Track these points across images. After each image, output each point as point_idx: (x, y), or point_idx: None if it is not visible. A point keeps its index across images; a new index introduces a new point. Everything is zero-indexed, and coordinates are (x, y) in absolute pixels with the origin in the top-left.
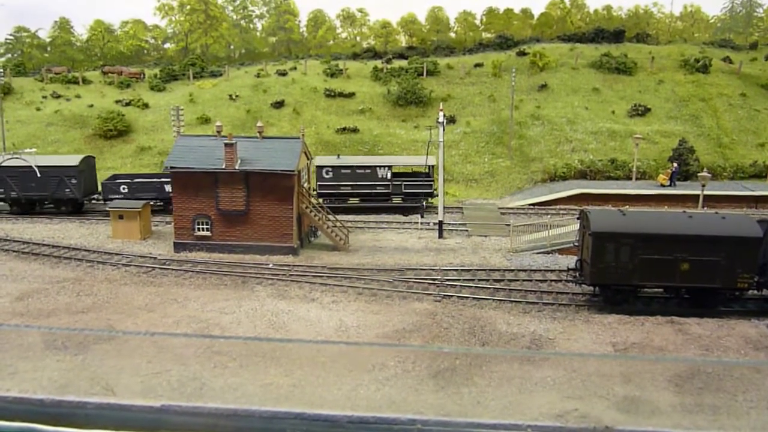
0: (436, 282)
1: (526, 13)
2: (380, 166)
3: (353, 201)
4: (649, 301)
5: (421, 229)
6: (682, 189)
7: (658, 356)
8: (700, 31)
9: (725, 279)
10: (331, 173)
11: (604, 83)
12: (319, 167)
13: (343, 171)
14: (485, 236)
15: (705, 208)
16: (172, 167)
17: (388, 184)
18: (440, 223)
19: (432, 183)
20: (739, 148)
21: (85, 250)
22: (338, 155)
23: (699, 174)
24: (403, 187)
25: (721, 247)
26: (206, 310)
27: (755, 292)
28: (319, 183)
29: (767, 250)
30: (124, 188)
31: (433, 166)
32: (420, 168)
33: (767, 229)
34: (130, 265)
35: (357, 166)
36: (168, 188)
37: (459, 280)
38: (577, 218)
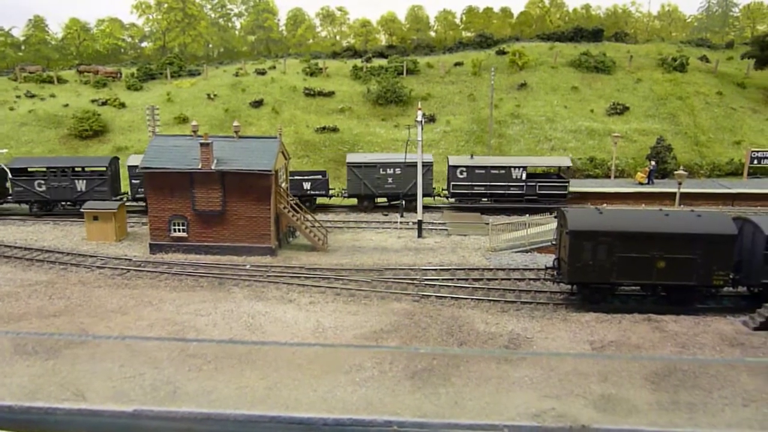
0: (415, 282)
1: (505, 12)
2: (515, 167)
3: (484, 201)
4: (626, 299)
5: (401, 228)
6: (659, 187)
7: (635, 355)
8: (677, 30)
9: (701, 276)
10: (465, 173)
11: (583, 82)
12: (453, 167)
13: (477, 171)
14: (465, 235)
15: (682, 206)
16: (146, 167)
17: (523, 185)
18: (419, 223)
19: (566, 184)
20: (716, 146)
21: (58, 252)
22: (471, 155)
23: (675, 172)
24: (537, 188)
25: (697, 245)
26: (181, 313)
27: (731, 289)
28: (452, 183)
29: (742, 247)
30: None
31: (569, 167)
32: (553, 169)
33: (742, 227)
34: (105, 267)
35: (491, 167)
36: (306, 185)
37: (438, 279)
38: (555, 217)
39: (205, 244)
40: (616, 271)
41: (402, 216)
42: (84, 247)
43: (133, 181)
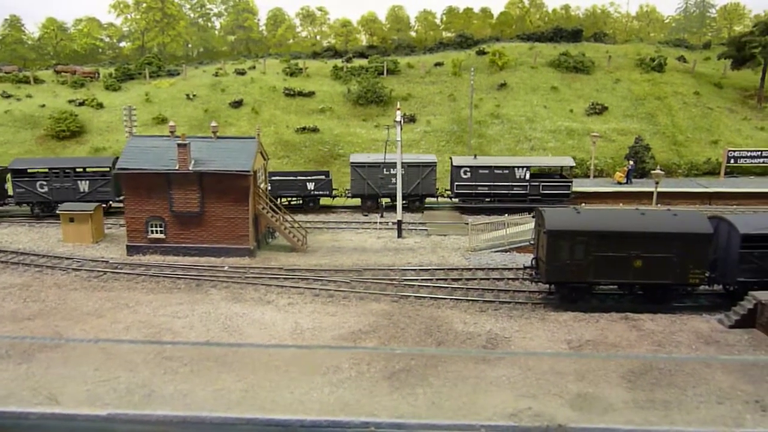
0: (394, 282)
1: (485, 12)
2: (518, 167)
3: (487, 201)
4: (604, 297)
5: (381, 228)
6: (638, 186)
7: (611, 353)
8: (655, 31)
9: (677, 275)
10: (469, 173)
11: (563, 82)
12: (457, 167)
13: (480, 171)
14: (444, 235)
15: (659, 206)
16: (123, 168)
17: (526, 185)
18: (399, 223)
19: (570, 184)
20: (694, 145)
21: (33, 255)
22: (475, 155)
23: (652, 171)
24: (541, 187)
25: (673, 244)
26: (158, 315)
27: (707, 287)
28: (456, 183)
29: (718, 246)
30: (267, 186)
31: (572, 167)
32: (556, 169)
33: (718, 226)
34: (81, 269)
35: (495, 167)
36: (310, 186)
37: (417, 279)
38: (533, 216)
39: (183, 245)
40: (593, 271)
41: (382, 216)
42: (60, 249)
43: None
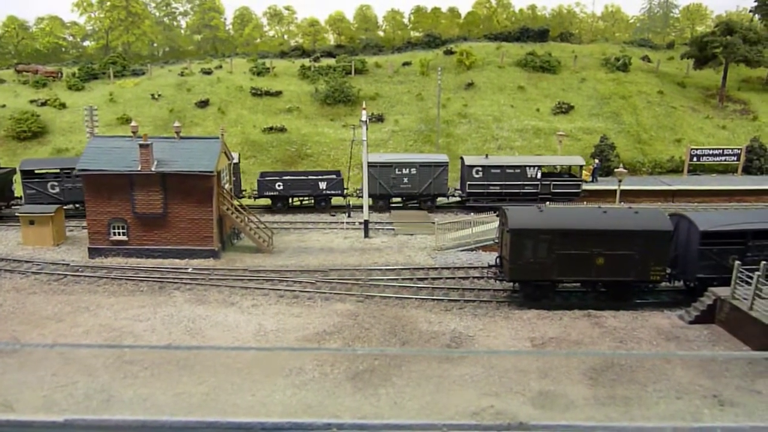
0: (360, 282)
1: (453, 12)
2: (530, 166)
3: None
4: (567, 295)
5: (347, 228)
6: (603, 185)
7: (571, 351)
8: (620, 31)
9: (639, 272)
10: (480, 173)
11: (529, 81)
12: (469, 167)
13: (492, 171)
14: (411, 235)
15: (622, 203)
16: (84, 170)
17: (537, 184)
18: (366, 223)
19: (580, 183)
20: (657, 144)
21: None
22: (486, 155)
23: (615, 170)
24: (551, 186)
25: (634, 241)
26: (119, 318)
27: (668, 284)
28: (468, 183)
29: (678, 243)
30: (279, 185)
31: (581, 166)
32: (566, 168)
33: (678, 223)
34: (41, 272)
35: (507, 166)
36: (322, 185)
37: (382, 279)
38: (497, 215)
39: (146, 247)
40: (556, 269)
41: (349, 216)
42: (19, 252)
43: None
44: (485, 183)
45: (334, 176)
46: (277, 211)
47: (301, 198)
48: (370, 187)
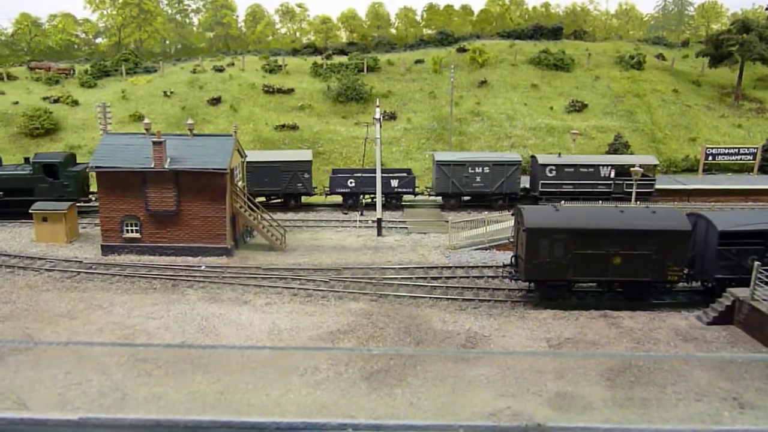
0: (373, 281)
1: (466, 9)
2: (603, 165)
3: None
4: (583, 295)
5: (360, 227)
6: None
7: (589, 352)
8: (634, 29)
9: (656, 272)
10: (554, 172)
11: (543, 79)
12: (543, 165)
13: (566, 170)
14: (424, 233)
15: (638, 203)
16: (97, 167)
17: (611, 183)
18: (379, 221)
19: (653, 182)
20: (672, 142)
21: (5, 255)
22: (559, 153)
23: (631, 168)
24: (624, 186)
25: (652, 241)
26: (132, 316)
27: (685, 284)
28: (541, 182)
29: (696, 243)
30: (351, 182)
31: (655, 165)
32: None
33: (696, 223)
34: (54, 270)
35: (580, 165)
36: (394, 183)
37: (396, 278)
38: (512, 214)
39: (159, 244)
40: (572, 268)
41: (362, 214)
42: (33, 249)
43: None
44: (558, 182)
45: (405, 174)
46: (347, 208)
47: (372, 195)
48: (442, 186)
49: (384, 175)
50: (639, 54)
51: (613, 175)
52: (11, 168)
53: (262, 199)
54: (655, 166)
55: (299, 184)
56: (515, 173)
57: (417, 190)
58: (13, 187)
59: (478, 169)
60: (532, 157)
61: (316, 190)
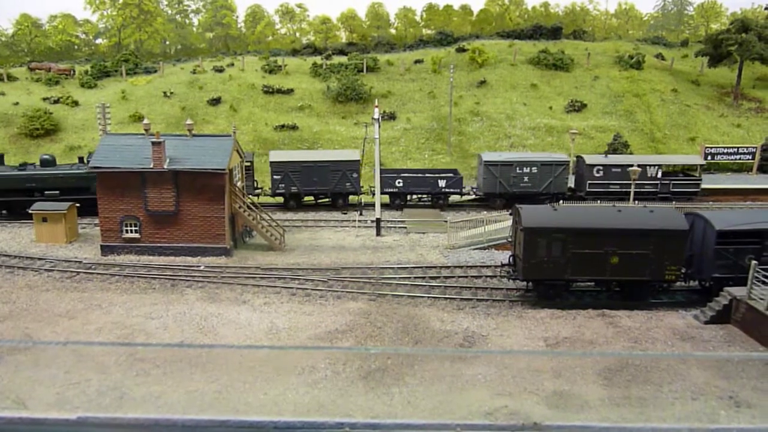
0: (372, 281)
1: (465, 9)
2: (651, 165)
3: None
4: (581, 294)
5: (359, 227)
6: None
7: (586, 351)
8: (634, 28)
9: (654, 271)
10: (601, 172)
11: (542, 79)
12: (590, 165)
13: (613, 170)
14: (423, 233)
15: (636, 202)
16: (96, 167)
17: (657, 183)
18: (378, 221)
19: (699, 182)
20: (671, 142)
21: (4, 255)
22: (606, 153)
23: (629, 168)
24: (671, 185)
25: (650, 240)
26: (132, 316)
27: (683, 283)
28: (588, 182)
29: (694, 242)
30: (399, 182)
31: (701, 165)
32: (685, 167)
33: (693, 222)
34: (53, 270)
35: (627, 165)
36: (441, 183)
37: (395, 278)
38: (510, 214)
39: (158, 245)
40: (570, 268)
41: (361, 214)
42: (32, 250)
43: (275, 176)
44: (606, 182)
45: (452, 174)
46: (394, 207)
47: (420, 195)
48: (489, 186)
49: (432, 175)
50: (638, 54)
51: (659, 175)
52: (66, 168)
53: (311, 198)
54: (701, 166)
55: (348, 184)
56: (563, 173)
57: (362, 190)
58: (69, 186)
59: (526, 169)
60: (579, 157)
61: (362, 189)
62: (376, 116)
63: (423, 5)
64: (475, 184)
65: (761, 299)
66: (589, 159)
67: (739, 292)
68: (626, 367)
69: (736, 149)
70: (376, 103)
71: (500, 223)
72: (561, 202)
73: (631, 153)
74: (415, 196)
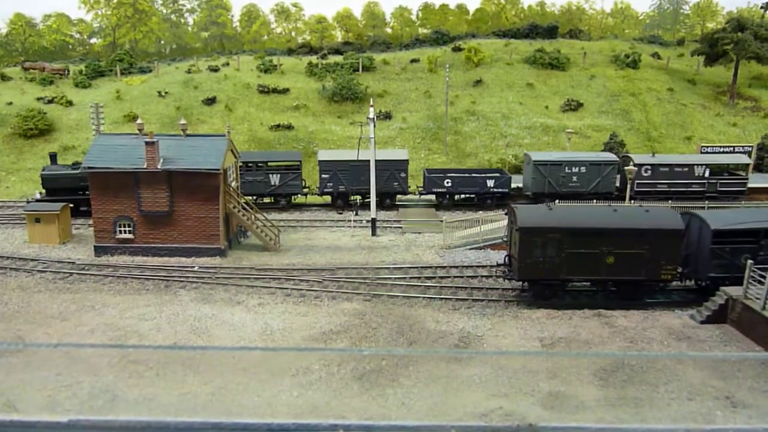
0: (367, 281)
1: (461, 8)
2: (698, 165)
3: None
4: (577, 294)
5: (355, 227)
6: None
7: (581, 351)
8: (630, 28)
9: (650, 271)
10: (649, 171)
11: (538, 78)
12: (639, 165)
13: (661, 169)
14: (419, 233)
15: (632, 202)
16: (89, 167)
17: (704, 182)
18: (373, 221)
19: (746, 181)
20: (668, 141)
21: None
22: (653, 153)
23: (625, 168)
24: (718, 185)
25: (645, 240)
26: (125, 317)
27: (679, 283)
28: (637, 181)
29: (690, 242)
30: (447, 182)
31: (748, 164)
32: (730, 166)
33: (689, 221)
34: (46, 271)
35: (675, 165)
36: (489, 183)
37: (390, 278)
38: (505, 213)
39: (152, 245)
40: (566, 268)
41: (356, 214)
42: (25, 251)
43: (323, 175)
44: (653, 182)
45: (499, 174)
46: (445, 207)
47: (468, 194)
48: (538, 186)
49: (480, 175)
50: (634, 53)
51: (707, 174)
52: None
53: (358, 197)
54: (748, 165)
55: (395, 183)
56: (611, 173)
57: (409, 189)
58: None
59: (575, 169)
60: (625, 156)
61: (410, 188)
62: (371, 116)
63: (419, 4)
64: (521, 184)
65: (757, 299)
66: (637, 158)
67: (735, 291)
68: (622, 368)
69: (732, 148)
70: (372, 103)
71: (496, 223)
72: (608, 203)
73: (627, 152)
74: (462, 196)
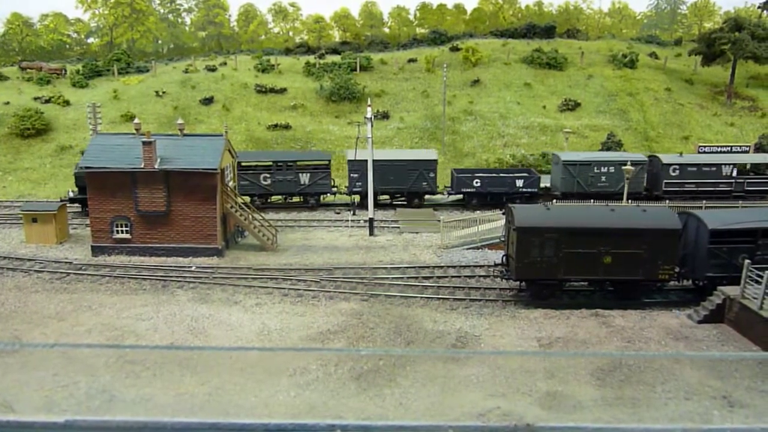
0: (365, 281)
1: (459, 8)
2: (726, 164)
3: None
4: (574, 294)
5: (352, 226)
6: None
7: (579, 351)
8: (627, 27)
9: (647, 271)
10: (677, 171)
11: (536, 78)
12: (667, 165)
13: (689, 169)
14: (416, 233)
15: (630, 201)
16: (87, 167)
17: (732, 182)
18: (371, 221)
19: None
20: (665, 141)
21: None
22: (681, 153)
23: (623, 167)
24: (745, 184)
25: (643, 240)
26: (122, 317)
27: (676, 282)
28: (665, 181)
29: (687, 241)
30: (476, 182)
31: None
32: (759, 166)
33: (687, 221)
34: (43, 271)
35: (703, 164)
36: (519, 183)
37: (388, 278)
38: (503, 213)
39: (150, 245)
40: (563, 267)
41: (354, 214)
42: (22, 251)
43: (352, 175)
44: (681, 181)
45: (527, 174)
46: (467, 207)
47: (500, 193)
48: (567, 186)
49: (509, 175)
50: (632, 53)
51: (735, 173)
52: None
53: (386, 197)
54: None
55: (424, 183)
56: (639, 173)
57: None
58: None
59: (604, 169)
60: (653, 156)
61: (438, 188)
62: (368, 115)
63: (416, 4)
64: (548, 183)
65: (754, 298)
66: (665, 158)
67: (732, 291)
68: (619, 367)
69: (729, 148)
70: (369, 103)
71: (493, 223)
72: (629, 201)
73: (624, 152)
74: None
